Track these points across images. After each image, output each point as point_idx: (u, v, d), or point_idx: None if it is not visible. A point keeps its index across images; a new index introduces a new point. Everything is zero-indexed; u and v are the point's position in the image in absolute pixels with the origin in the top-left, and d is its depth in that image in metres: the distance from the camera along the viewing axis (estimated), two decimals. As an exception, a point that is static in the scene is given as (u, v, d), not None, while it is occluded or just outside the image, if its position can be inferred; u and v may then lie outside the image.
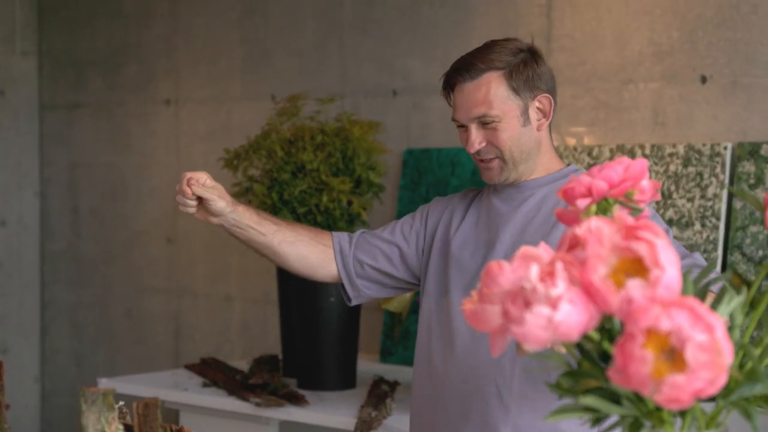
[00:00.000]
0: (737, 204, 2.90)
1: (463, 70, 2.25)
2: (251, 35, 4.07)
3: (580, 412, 1.05)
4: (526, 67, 2.24)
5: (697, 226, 2.94)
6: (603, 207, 1.21)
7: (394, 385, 3.13)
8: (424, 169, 3.56)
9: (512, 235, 2.25)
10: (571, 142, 3.27)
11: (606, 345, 1.02)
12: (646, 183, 1.22)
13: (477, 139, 2.24)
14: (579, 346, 1.08)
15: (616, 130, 3.20)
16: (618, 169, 1.21)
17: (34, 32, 4.75)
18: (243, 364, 3.51)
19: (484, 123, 2.23)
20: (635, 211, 1.21)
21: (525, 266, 1.03)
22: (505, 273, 1.07)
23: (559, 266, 1.00)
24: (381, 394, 2.99)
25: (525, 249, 1.07)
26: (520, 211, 2.26)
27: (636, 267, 0.99)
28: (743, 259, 2.86)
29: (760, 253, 2.85)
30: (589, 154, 3.19)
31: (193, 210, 2.31)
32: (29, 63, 4.74)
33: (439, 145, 3.56)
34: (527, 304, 1.00)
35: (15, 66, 4.70)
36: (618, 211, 1.20)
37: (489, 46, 2.27)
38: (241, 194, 3.32)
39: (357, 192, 3.24)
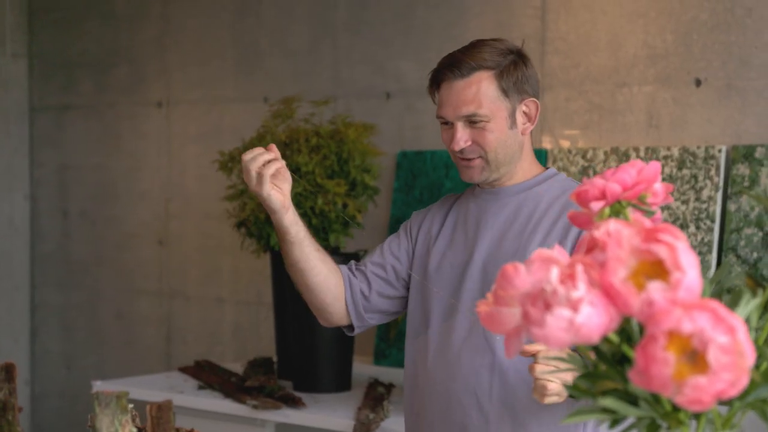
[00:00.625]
0: (732, 206, 2.92)
1: (453, 66, 2.22)
2: (244, 37, 4.07)
3: (598, 413, 1.06)
4: (516, 68, 2.22)
5: (692, 229, 2.96)
6: (616, 209, 1.22)
7: (389, 387, 3.13)
8: (418, 172, 3.56)
9: (490, 243, 2.23)
10: (565, 144, 3.28)
11: (625, 347, 1.03)
12: (659, 186, 1.22)
13: (463, 138, 2.20)
14: (595, 348, 1.08)
15: (610, 132, 3.21)
16: (631, 171, 1.22)
17: (24, 34, 4.73)
18: (237, 367, 3.51)
19: (472, 122, 2.20)
20: (648, 214, 1.22)
21: (545, 268, 1.03)
22: (521, 275, 1.08)
23: (579, 269, 1.00)
24: (377, 396, 3.00)
25: (542, 252, 1.07)
26: (498, 218, 2.25)
27: (656, 269, 0.99)
28: (738, 262, 2.88)
29: (755, 255, 2.87)
30: (583, 157, 3.20)
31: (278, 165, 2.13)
32: (19, 65, 4.72)
33: (432, 148, 3.57)
34: (548, 306, 1.00)
35: (5, 68, 4.69)
36: (632, 213, 1.21)
37: (477, 45, 2.25)
38: (236, 197, 3.32)
39: (352, 194, 3.24)
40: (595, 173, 3.16)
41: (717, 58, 3.03)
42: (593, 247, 1.07)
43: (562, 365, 1.79)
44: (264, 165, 2.13)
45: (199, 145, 4.19)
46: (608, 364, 1.07)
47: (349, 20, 3.79)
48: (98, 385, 3.29)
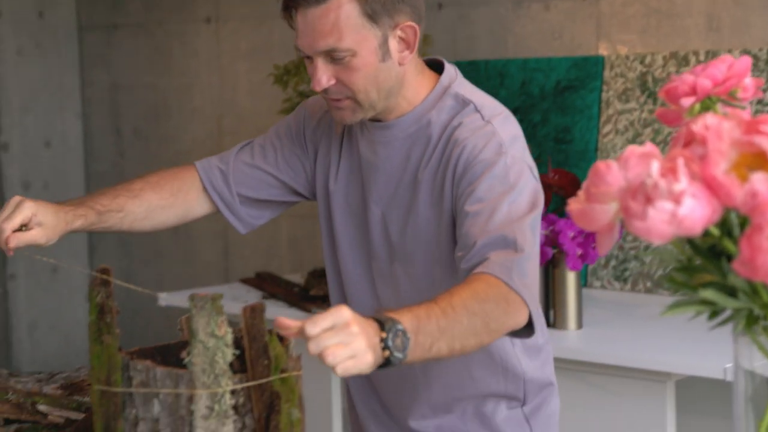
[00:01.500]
0: (794, 108, 2.90)
1: None
2: (292, -50, 4.04)
3: (696, 305, 1.07)
4: None
5: (753, 132, 2.94)
6: (706, 105, 1.22)
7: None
8: (472, 82, 3.52)
9: (386, 194, 1.97)
10: (623, 50, 3.25)
11: (725, 240, 1.04)
12: (749, 81, 1.23)
13: (324, 76, 1.83)
14: (690, 241, 1.09)
15: (669, 36, 3.17)
16: (722, 67, 1.22)
17: (70, -47, 4.73)
18: (297, 278, 3.55)
19: (334, 58, 1.82)
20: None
21: (643, 163, 1.04)
22: (613, 171, 1.08)
23: (680, 162, 1.01)
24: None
25: (633, 148, 1.08)
26: (389, 165, 1.96)
27: (758, 161, 1.00)
28: (800, 164, 2.86)
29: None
30: (642, 62, 3.18)
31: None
32: (66, -16, 4.73)
33: (486, 57, 3.55)
34: (649, 200, 1.01)
35: (53, -13, 4.69)
36: (722, 109, 1.21)
37: None
38: (292, 110, 3.32)
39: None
40: (653, 79, 3.13)
41: (779, -43, 2.98)
42: (690, 141, 1.07)
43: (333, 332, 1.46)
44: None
45: (249, 61, 4.19)
46: (705, 258, 1.08)
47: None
48: (163, 297, 3.35)
